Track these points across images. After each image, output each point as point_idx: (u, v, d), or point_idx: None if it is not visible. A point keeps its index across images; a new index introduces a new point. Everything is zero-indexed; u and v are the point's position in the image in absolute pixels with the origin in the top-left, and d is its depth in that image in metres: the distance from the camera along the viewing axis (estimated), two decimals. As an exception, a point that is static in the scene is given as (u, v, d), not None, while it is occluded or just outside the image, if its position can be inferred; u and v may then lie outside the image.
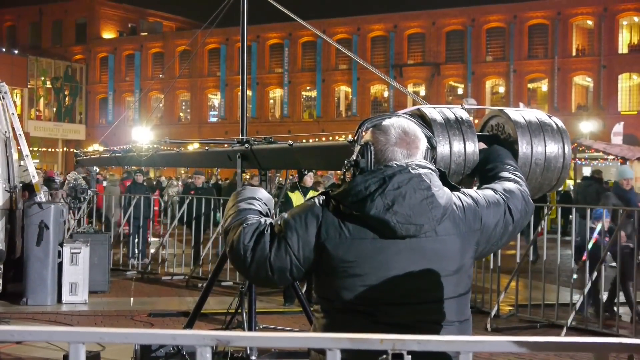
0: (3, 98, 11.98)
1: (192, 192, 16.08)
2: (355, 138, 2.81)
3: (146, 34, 70.77)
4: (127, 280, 14.28)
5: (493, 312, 10.44)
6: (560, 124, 3.51)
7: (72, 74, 69.87)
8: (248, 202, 2.96)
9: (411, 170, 2.67)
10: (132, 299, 12.44)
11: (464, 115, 3.40)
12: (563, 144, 3.40)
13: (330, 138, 44.12)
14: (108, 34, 72.20)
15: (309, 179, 11.90)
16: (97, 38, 71.01)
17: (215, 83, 65.41)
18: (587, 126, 46.25)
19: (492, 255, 11.46)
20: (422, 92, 60.62)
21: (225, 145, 6.86)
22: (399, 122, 2.79)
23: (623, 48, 53.33)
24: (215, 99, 67.03)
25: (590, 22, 54.13)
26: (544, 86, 56.47)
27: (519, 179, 3.08)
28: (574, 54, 54.60)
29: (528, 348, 1.67)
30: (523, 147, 3.34)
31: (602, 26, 52.18)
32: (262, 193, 3.07)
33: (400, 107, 59.00)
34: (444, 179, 2.81)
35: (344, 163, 2.76)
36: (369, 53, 60.60)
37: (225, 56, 63.81)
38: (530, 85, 56.90)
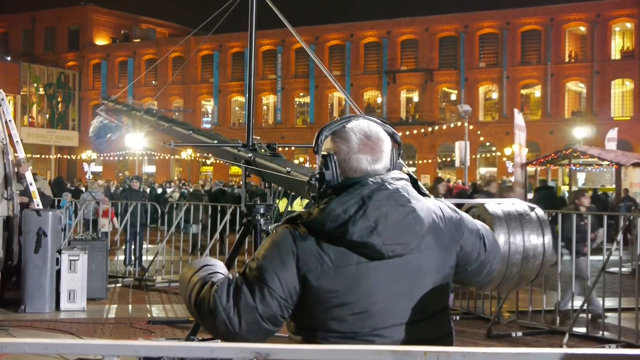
0: (0, 105, 11.92)
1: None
2: (316, 149, 2.61)
3: (139, 40, 70.69)
4: (124, 287, 14.21)
5: (494, 319, 10.42)
6: (541, 213, 3.28)
7: (65, 81, 69.74)
8: (204, 269, 2.69)
9: (388, 186, 2.51)
10: (130, 306, 12.38)
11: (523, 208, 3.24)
12: (543, 237, 3.18)
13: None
14: (101, 41, 72.10)
15: None
16: (90, 45, 70.91)
17: (209, 89, 65.39)
18: (581, 132, 46.37)
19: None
20: (415, 98, 60.72)
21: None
22: (359, 126, 2.59)
23: (616, 54, 53.52)
24: (209, 105, 66.98)
25: (583, 29, 54.32)
26: (537, 92, 56.58)
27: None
28: (567, 60, 54.75)
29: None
30: (500, 241, 3.15)
31: (595, 32, 52.36)
32: (213, 260, 2.83)
33: (394, 113, 59.13)
34: (416, 185, 2.68)
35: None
36: (362, 59, 60.68)
37: (218, 63, 63.80)
38: (523, 91, 57.01)
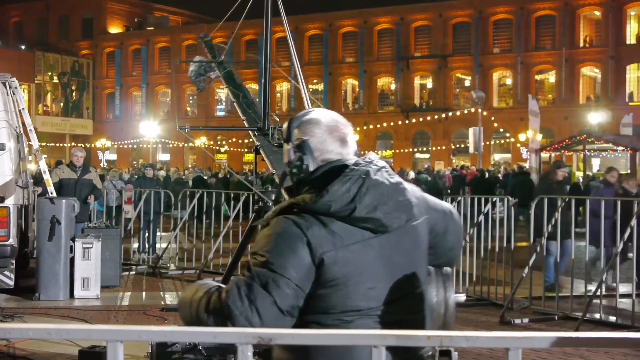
0: (13, 93, 11.95)
1: None
2: (286, 137, 2.73)
3: (153, 28, 70.77)
4: (138, 275, 14.27)
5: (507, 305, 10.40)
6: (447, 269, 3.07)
7: (79, 69, 69.97)
8: (202, 287, 2.64)
9: (377, 164, 2.65)
10: (144, 293, 12.43)
11: None
12: (445, 292, 2.91)
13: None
14: (114, 29, 72.22)
15: None
16: (103, 33, 71.06)
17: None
18: (596, 117, 46.12)
19: (505, 246, 11.43)
20: (429, 85, 60.53)
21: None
22: (325, 113, 2.76)
23: (631, 38, 53.11)
24: (222, 92, 67.01)
25: (597, 13, 53.92)
26: (551, 78, 56.30)
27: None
28: (581, 45, 54.41)
29: (582, 344, 1.63)
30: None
31: (610, 17, 51.97)
32: (207, 280, 2.80)
33: (408, 100, 59.00)
34: None
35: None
36: (375, 46, 60.51)
37: (231, 50, 63.74)
38: (537, 77, 56.73)
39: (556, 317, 10.30)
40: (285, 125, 2.75)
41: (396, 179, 2.66)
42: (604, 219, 10.15)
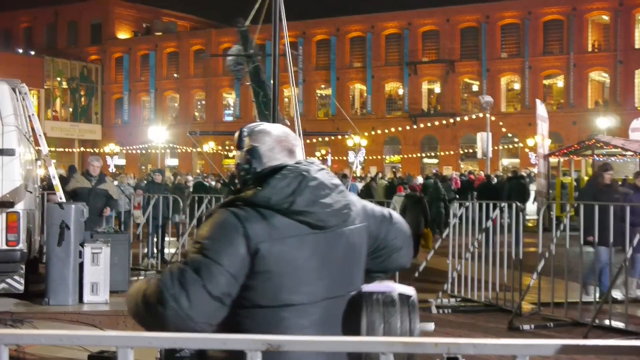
0: (23, 99, 12.00)
1: None
2: (237, 144, 2.87)
3: (161, 33, 70.94)
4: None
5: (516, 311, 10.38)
6: (413, 300, 2.90)
7: (87, 75, 70.19)
8: (148, 279, 2.71)
9: (318, 165, 2.78)
10: (152, 298, 12.44)
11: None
12: (410, 324, 2.79)
13: (347, 136, 44.07)
14: (123, 34, 72.43)
15: None
16: (112, 38, 71.28)
17: (230, 82, 65.46)
18: (604, 122, 46.00)
19: (512, 252, 11.39)
20: (437, 90, 60.50)
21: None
22: (276, 126, 2.91)
23: (639, 43, 53.00)
24: (230, 98, 67.11)
25: (605, 17, 53.84)
26: (559, 82, 56.22)
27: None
28: (589, 49, 54.33)
29: (589, 351, 1.64)
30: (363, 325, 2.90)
31: (618, 21, 51.88)
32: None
33: (415, 105, 58.98)
34: None
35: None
36: (383, 51, 60.53)
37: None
38: (545, 82, 56.65)
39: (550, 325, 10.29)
40: (236, 134, 2.88)
41: (336, 181, 2.76)
42: (632, 225, 10.02)
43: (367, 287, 2.79)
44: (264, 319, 2.59)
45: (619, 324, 10.00)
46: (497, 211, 12.06)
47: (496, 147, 51.42)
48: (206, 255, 2.56)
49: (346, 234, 2.73)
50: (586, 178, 32.40)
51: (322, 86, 63.01)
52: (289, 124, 6.83)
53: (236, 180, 2.87)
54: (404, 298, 2.78)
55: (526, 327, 10.04)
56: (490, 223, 11.79)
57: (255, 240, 2.58)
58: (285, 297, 2.59)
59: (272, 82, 7.26)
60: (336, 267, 2.69)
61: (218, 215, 2.67)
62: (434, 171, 46.15)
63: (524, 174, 33.41)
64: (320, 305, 2.64)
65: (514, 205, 11.74)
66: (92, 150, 65.63)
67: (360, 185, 29.41)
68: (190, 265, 2.56)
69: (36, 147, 12.89)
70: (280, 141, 2.81)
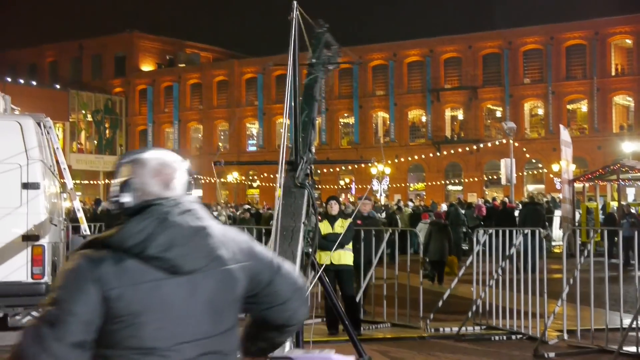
0: (48, 133, 12.12)
1: (360, 222, 13.46)
2: (114, 172, 2.78)
3: (184, 65, 71.57)
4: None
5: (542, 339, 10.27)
6: None
7: (112, 107, 70.88)
8: None
9: (183, 206, 2.68)
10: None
11: None
12: None
13: (370, 165, 44.15)
14: (146, 67, 73.16)
15: (335, 207, 11.83)
16: (136, 71, 72.01)
17: (253, 112, 65.82)
18: (630, 146, 45.68)
19: (537, 278, 11.27)
20: (460, 116, 60.42)
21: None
22: (157, 154, 2.79)
23: (663, 66, 52.76)
24: (254, 128, 67.41)
25: (629, 41, 53.66)
26: (583, 107, 55.97)
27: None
28: (613, 73, 54.12)
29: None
30: None
31: (642, 45, 51.68)
32: None
33: (439, 132, 58.88)
34: (208, 209, 2.85)
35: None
36: (405, 78, 60.64)
37: (262, 85, 64.22)
38: (569, 107, 56.43)
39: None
40: (117, 160, 2.81)
41: (201, 223, 2.69)
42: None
43: (301, 357, 2.70)
44: None
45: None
46: (521, 238, 11.99)
47: (520, 173, 51.18)
48: (60, 307, 2.53)
49: (215, 275, 2.68)
50: (613, 203, 32.16)
51: (345, 115, 63.15)
52: (313, 157, 6.87)
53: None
54: None
55: (551, 354, 9.93)
56: (514, 250, 11.71)
57: (106, 286, 2.54)
58: (137, 343, 2.55)
59: (293, 115, 7.28)
60: (202, 310, 2.65)
61: (71, 261, 2.62)
62: (459, 198, 45.98)
63: (541, 199, 33.24)
64: (181, 347, 2.59)
65: (537, 232, 11.65)
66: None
67: (383, 215, 29.24)
68: (44, 320, 2.53)
69: (61, 180, 13.00)
70: (156, 174, 2.72)
